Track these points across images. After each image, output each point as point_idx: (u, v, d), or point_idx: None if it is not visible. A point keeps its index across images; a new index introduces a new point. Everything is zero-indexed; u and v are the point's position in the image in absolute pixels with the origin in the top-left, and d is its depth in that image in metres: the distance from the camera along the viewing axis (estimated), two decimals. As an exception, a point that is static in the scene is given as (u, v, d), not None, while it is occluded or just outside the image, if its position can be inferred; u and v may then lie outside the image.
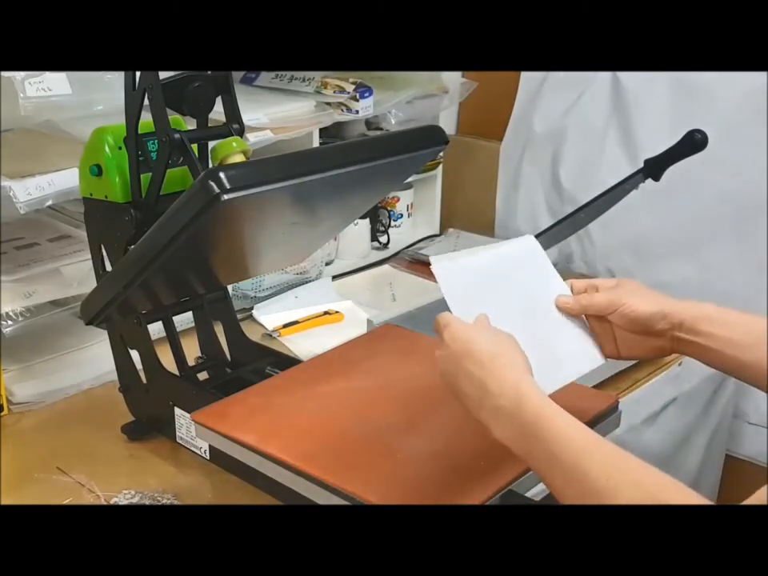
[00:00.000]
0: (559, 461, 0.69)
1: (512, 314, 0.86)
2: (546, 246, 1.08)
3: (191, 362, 1.18)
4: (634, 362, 1.33)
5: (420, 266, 1.83)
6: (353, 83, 1.61)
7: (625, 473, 0.66)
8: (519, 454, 0.73)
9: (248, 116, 1.19)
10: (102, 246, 1.09)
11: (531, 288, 0.90)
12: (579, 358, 0.88)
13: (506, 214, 1.97)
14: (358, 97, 1.62)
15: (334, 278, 1.74)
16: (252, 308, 1.57)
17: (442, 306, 1.52)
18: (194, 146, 1.02)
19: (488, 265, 0.89)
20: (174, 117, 1.01)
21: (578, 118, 1.80)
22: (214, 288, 1.19)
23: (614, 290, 0.87)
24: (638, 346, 0.87)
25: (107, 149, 1.02)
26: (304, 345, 1.44)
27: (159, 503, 1.02)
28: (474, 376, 0.76)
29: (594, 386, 1.23)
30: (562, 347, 0.88)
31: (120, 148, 1.02)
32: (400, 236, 1.96)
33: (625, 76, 1.72)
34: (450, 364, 0.79)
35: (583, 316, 0.90)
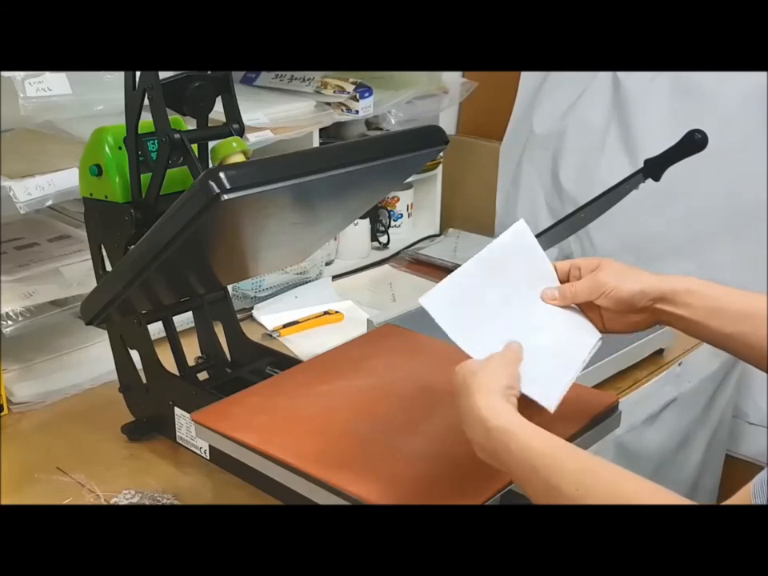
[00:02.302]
0: (532, 479, 0.71)
1: (506, 311, 0.87)
2: (545, 246, 1.08)
3: (191, 362, 1.18)
4: (634, 362, 1.33)
5: (420, 266, 1.84)
6: (353, 83, 1.61)
7: (594, 482, 0.67)
8: (507, 473, 0.75)
9: (248, 116, 1.19)
10: (102, 246, 1.09)
11: (522, 278, 0.91)
12: (579, 343, 0.89)
13: (506, 214, 1.97)
14: (357, 97, 1.62)
15: (334, 278, 1.74)
16: (252, 308, 1.57)
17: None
18: (194, 146, 1.02)
19: (475, 269, 0.89)
20: (173, 117, 1.01)
21: (577, 118, 1.80)
22: (214, 288, 1.19)
23: (596, 274, 0.88)
24: (620, 322, 0.89)
25: (107, 149, 1.02)
26: (304, 345, 1.44)
27: (159, 503, 1.02)
28: (459, 412, 0.79)
29: (594, 386, 1.23)
30: (561, 336, 0.89)
31: (120, 148, 1.02)
32: (400, 236, 1.96)
33: (625, 76, 1.72)
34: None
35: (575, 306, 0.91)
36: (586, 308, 0.90)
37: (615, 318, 0.89)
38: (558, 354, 0.87)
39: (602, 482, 0.67)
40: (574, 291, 0.89)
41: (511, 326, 0.86)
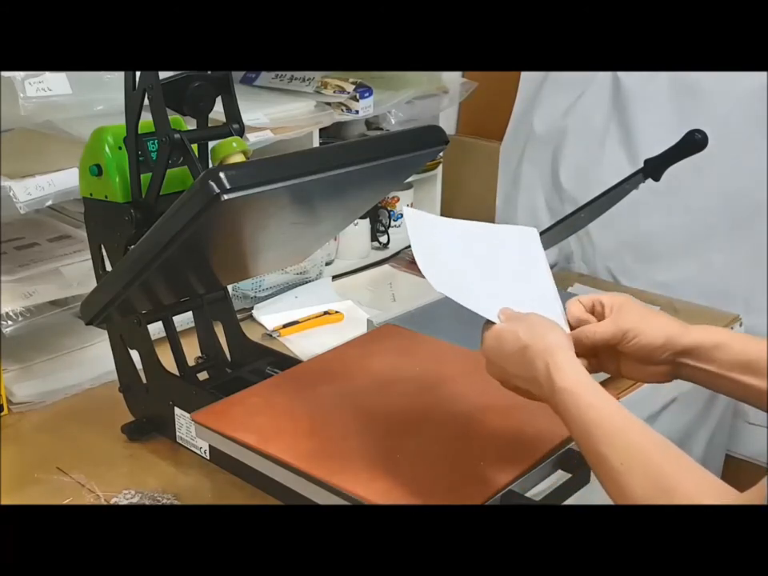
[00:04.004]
0: (586, 442, 0.71)
1: (480, 281, 0.87)
2: (545, 246, 1.08)
3: (191, 362, 1.18)
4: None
5: (420, 265, 1.83)
6: (353, 83, 1.61)
7: (640, 459, 0.67)
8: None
9: (248, 116, 1.19)
10: (102, 246, 1.09)
11: (513, 269, 0.90)
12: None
13: (506, 214, 1.97)
14: (358, 97, 1.62)
15: (334, 278, 1.74)
16: (252, 308, 1.57)
17: (442, 305, 1.52)
18: (194, 146, 1.02)
19: (469, 231, 0.90)
20: (174, 117, 1.01)
21: (577, 117, 1.80)
22: (214, 288, 1.19)
23: (619, 318, 0.83)
24: (639, 371, 0.85)
25: (107, 149, 1.02)
26: (304, 345, 1.44)
27: (159, 503, 1.02)
28: (520, 376, 0.79)
29: (594, 386, 1.23)
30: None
31: (120, 148, 1.02)
32: (400, 236, 1.96)
33: (625, 76, 1.72)
34: (499, 372, 0.82)
35: (563, 307, 0.88)
36: (604, 352, 0.85)
37: (634, 367, 0.85)
38: (535, 291, 0.88)
39: (646, 463, 0.67)
40: (594, 337, 0.83)
41: (492, 283, 0.86)
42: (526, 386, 0.79)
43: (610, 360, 0.86)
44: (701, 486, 0.65)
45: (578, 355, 0.78)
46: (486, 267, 0.89)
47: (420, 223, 0.85)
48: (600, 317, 0.85)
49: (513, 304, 0.84)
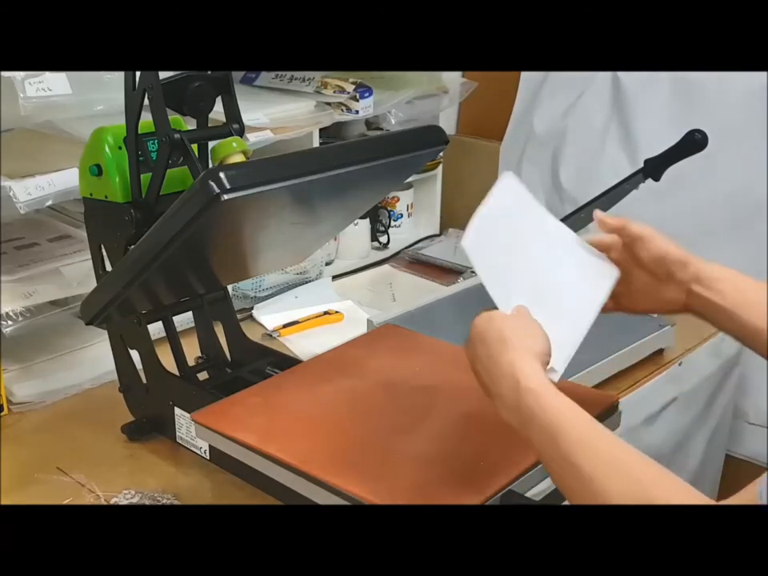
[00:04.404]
0: (554, 449, 0.70)
1: (520, 265, 0.87)
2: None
3: (191, 362, 1.18)
4: (634, 362, 1.33)
5: (420, 266, 1.84)
6: (353, 83, 1.61)
7: (616, 465, 0.67)
8: (524, 438, 0.74)
9: (248, 116, 1.19)
10: (102, 246, 1.09)
11: (528, 227, 0.90)
12: (594, 283, 0.89)
13: (506, 213, 1.97)
14: (358, 97, 1.62)
15: (334, 278, 1.74)
16: (252, 308, 1.57)
17: (442, 305, 1.52)
18: (194, 146, 1.02)
19: (484, 224, 0.88)
20: (173, 117, 1.01)
21: (577, 117, 1.80)
22: (214, 288, 1.19)
23: (645, 226, 0.89)
24: (654, 296, 0.89)
25: (107, 149, 1.02)
26: (304, 345, 1.44)
27: (159, 503, 1.02)
28: (483, 362, 0.78)
29: (594, 386, 1.23)
30: (574, 279, 0.88)
31: (120, 148, 1.02)
32: (400, 236, 1.96)
33: (625, 76, 1.72)
34: (468, 349, 0.81)
35: (586, 244, 0.90)
36: (620, 282, 0.89)
37: (647, 288, 0.88)
38: (568, 312, 0.86)
39: (621, 467, 0.66)
40: (626, 221, 0.88)
41: (527, 282, 0.86)
42: (487, 375, 0.77)
43: (624, 287, 0.89)
44: (679, 492, 0.65)
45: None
46: (515, 261, 0.88)
47: (479, 250, 0.84)
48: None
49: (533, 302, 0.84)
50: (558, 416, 0.70)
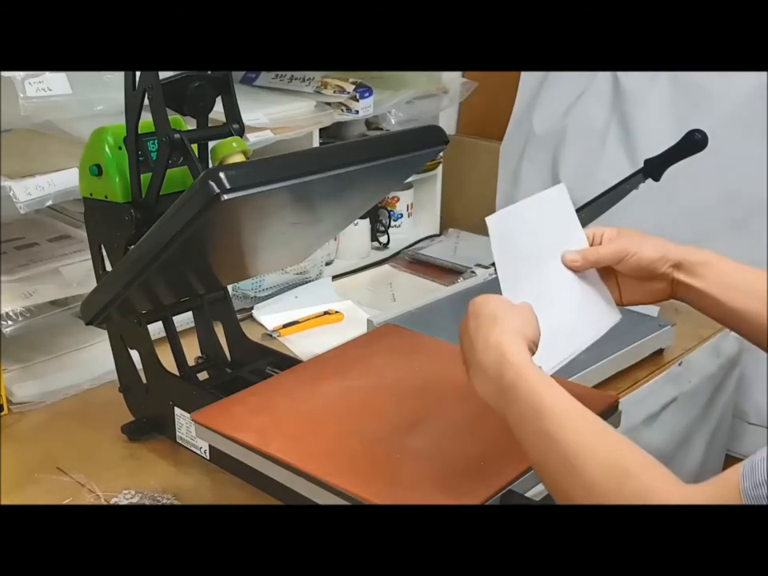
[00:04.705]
0: (531, 422, 0.71)
1: (537, 265, 0.89)
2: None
3: (191, 362, 1.18)
4: (634, 362, 1.33)
5: (420, 265, 1.84)
6: (353, 83, 1.61)
7: (598, 444, 0.67)
8: (496, 410, 0.75)
9: (248, 116, 1.19)
10: (102, 246, 1.09)
11: (555, 240, 0.92)
12: (598, 318, 0.90)
13: (506, 213, 1.97)
14: (357, 97, 1.62)
15: (334, 278, 1.74)
16: (252, 308, 1.57)
17: (442, 305, 1.52)
18: (194, 146, 1.02)
19: (515, 216, 0.91)
20: (173, 117, 1.01)
21: (577, 117, 1.80)
22: (214, 288, 1.19)
23: (618, 240, 0.90)
24: (640, 291, 0.90)
25: (107, 149, 1.02)
26: (304, 345, 1.44)
27: (159, 503, 1.02)
28: (470, 333, 0.79)
29: (594, 386, 1.23)
30: (580, 307, 0.90)
31: (120, 148, 1.02)
32: (400, 236, 1.96)
33: (625, 76, 1.72)
34: (462, 324, 0.82)
35: (600, 281, 0.92)
36: (605, 279, 0.91)
37: (634, 286, 0.90)
38: (572, 324, 0.88)
39: (602, 446, 0.67)
40: (596, 255, 0.90)
41: (536, 284, 0.87)
42: (471, 346, 0.78)
43: (611, 286, 0.91)
44: (655, 474, 0.65)
45: None
46: (535, 259, 0.90)
47: (501, 234, 0.87)
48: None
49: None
50: (540, 391, 0.71)
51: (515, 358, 0.74)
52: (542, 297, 0.86)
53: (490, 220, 0.86)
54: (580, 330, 0.88)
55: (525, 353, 0.75)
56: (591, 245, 0.92)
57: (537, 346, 0.78)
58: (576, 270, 0.90)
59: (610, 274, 0.91)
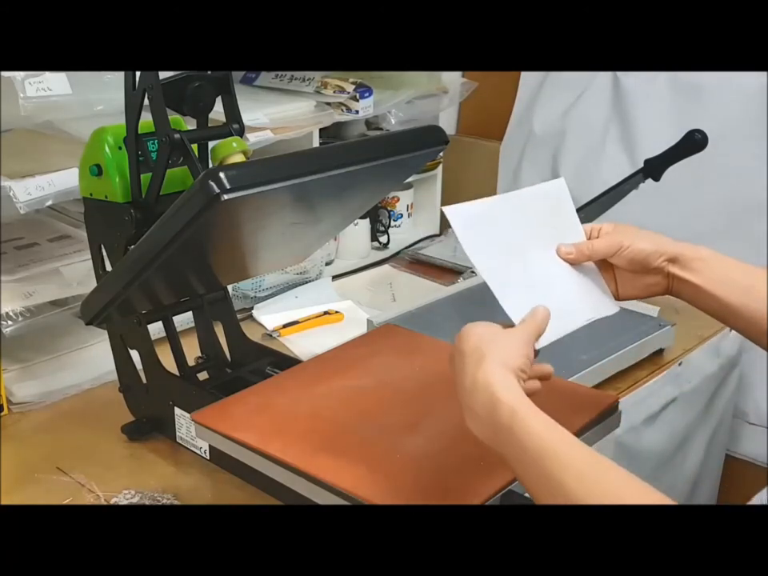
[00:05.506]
0: (531, 464, 0.69)
1: (527, 256, 0.88)
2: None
3: (191, 362, 1.18)
4: (634, 362, 1.33)
5: (420, 265, 1.84)
6: (353, 83, 1.61)
7: (596, 482, 0.66)
8: (497, 452, 0.74)
9: (248, 116, 1.19)
10: (102, 246, 1.09)
11: (548, 231, 0.92)
12: (592, 304, 0.90)
13: (506, 214, 1.97)
14: (357, 97, 1.62)
15: (334, 278, 1.74)
16: (252, 308, 1.57)
17: (442, 305, 1.52)
18: (194, 146, 1.02)
19: (503, 204, 0.91)
20: (173, 117, 1.01)
21: (577, 117, 1.81)
22: (214, 288, 1.19)
23: (613, 234, 0.90)
24: (636, 285, 0.90)
25: (107, 149, 1.02)
26: (304, 345, 1.44)
27: (159, 503, 1.02)
28: (456, 372, 0.79)
29: (594, 386, 1.23)
30: (575, 293, 0.90)
31: (120, 148, 1.02)
32: (400, 236, 1.96)
33: (625, 76, 1.72)
34: (449, 359, 0.82)
35: (598, 273, 0.92)
36: (603, 272, 0.91)
37: (629, 280, 0.90)
38: (564, 307, 0.86)
39: (607, 487, 0.66)
40: (591, 248, 0.90)
41: (531, 272, 0.87)
42: (462, 390, 0.77)
43: (608, 280, 0.91)
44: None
45: None
46: (525, 249, 0.89)
47: (464, 222, 0.86)
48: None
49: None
50: (538, 432, 0.69)
51: (506, 395, 0.71)
52: (535, 286, 0.86)
53: (448, 210, 0.85)
54: (573, 311, 0.88)
55: (515, 388, 0.73)
56: (588, 239, 0.92)
57: (526, 372, 0.76)
58: (571, 263, 0.90)
59: (607, 269, 0.91)
